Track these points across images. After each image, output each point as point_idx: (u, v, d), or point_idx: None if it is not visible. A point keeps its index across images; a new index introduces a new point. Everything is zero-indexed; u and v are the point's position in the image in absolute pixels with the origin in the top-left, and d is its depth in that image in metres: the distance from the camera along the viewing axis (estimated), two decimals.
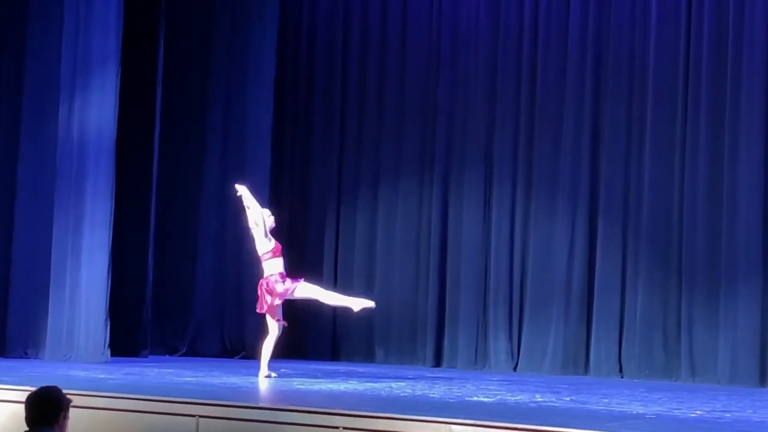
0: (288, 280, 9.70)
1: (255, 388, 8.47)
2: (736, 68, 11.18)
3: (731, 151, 11.14)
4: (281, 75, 13.13)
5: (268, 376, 9.47)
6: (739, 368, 10.85)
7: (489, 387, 9.28)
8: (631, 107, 11.72)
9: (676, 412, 7.61)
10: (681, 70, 11.47)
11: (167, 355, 12.47)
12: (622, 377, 11.42)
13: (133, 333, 11.79)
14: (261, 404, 6.72)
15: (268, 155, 12.80)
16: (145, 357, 11.74)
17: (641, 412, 7.47)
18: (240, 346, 12.61)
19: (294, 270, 13.21)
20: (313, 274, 13.01)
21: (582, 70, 11.96)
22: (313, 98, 13.34)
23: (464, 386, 9.27)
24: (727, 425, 6.84)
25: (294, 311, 13.09)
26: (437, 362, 12.38)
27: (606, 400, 8.29)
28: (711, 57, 11.33)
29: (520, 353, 12.04)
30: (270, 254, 9.73)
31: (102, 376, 9.10)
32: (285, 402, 6.85)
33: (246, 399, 7.10)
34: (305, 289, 9.71)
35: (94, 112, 11.25)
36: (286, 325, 9.76)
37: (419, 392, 8.51)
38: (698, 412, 7.61)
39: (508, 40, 12.35)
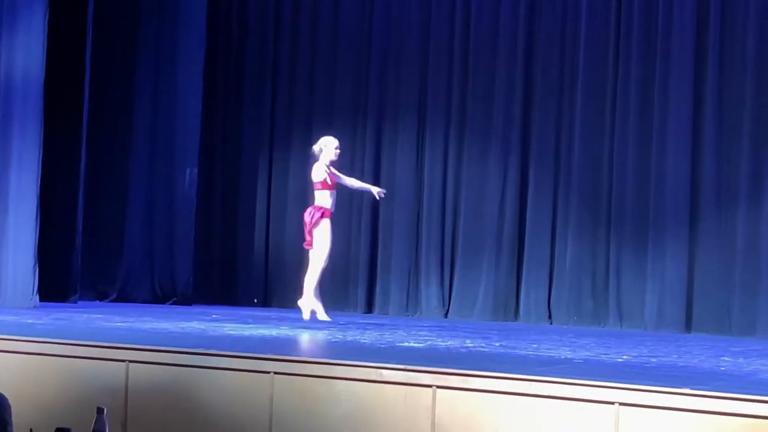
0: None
1: (186, 334, 8.44)
2: (666, 19, 11.27)
3: (661, 103, 11.27)
4: (212, 22, 12.97)
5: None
6: (666, 315, 11.05)
7: (420, 333, 9.34)
8: (563, 57, 11.78)
9: (603, 357, 7.72)
10: (612, 20, 11.54)
11: (97, 301, 12.37)
12: (551, 323, 11.57)
13: (62, 278, 11.65)
14: (191, 349, 6.69)
15: (199, 102, 12.67)
16: (75, 302, 11.63)
17: (569, 356, 7.57)
18: (171, 292, 12.55)
19: (229, 218, 13.21)
20: (247, 223, 13.03)
21: (515, 19, 11.98)
22: (244, 45, 13.21)
23: (395, 332, 9.33)
24: (652, 369, 6.96)
25: (225, 255, 13.10)
26: (369, 309, 12.44)
27: (535, 346, 8.39)
28: (642, 6, 11.41)
29: (452, 300, 12.14)
30: (319, 185, 9.88)
31: (30, 321, 9.00)
32: (216, 347, 6.82)
33: (176, 344, 7.06)
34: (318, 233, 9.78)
35: (21, 54, 11.02)
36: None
37: (350, 338, 8.54)
38: (625, 356, 7.74)
39: None
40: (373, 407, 6.06)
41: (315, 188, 10.14)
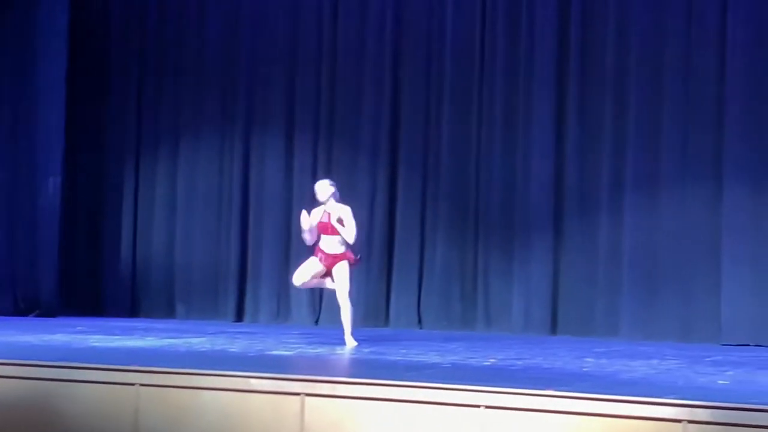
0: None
1: (49, 347, 8.25)
2: (528, 29, 11.47)
3: (525, 109, 11.46)
4: (75, 27, 12.72)
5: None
6: (532, 318, 11.24)
7: (290, 340, 9.32)
8: (429, 64, 11.89)
9: (471, 360, 7.82)
10: (477, 29, 11.70)
11: None
12: (421, 328, 11.65)
13: None
14: (54, 362, 6.55)
15: (63, 109, 12.41)
16: None
17: (437, 361, 7.64)
18: (34, 304, 12.25)
19: (94, 227, 12.97)
20: (113, 232, 12.82)
21: (382, 28, 12.05)
22: (109, 51, 13.01)
23: (265, 340, 9.29)
24: (518, 372, 7.07)
25: (91, 265, 12.86)
26: (239, 317, 12.36)
27: (404, 351, 8.45)
28: (506, 16, 11.59)
29: (322, 307, 12.12)
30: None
31: None
32: (80, 359, 6.69)
33: (39, 357, 6.90)
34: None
35: None
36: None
37: (219, 347, 8.47)
38: (492, 360, 7.84)
39: None
40: (240, 417, 6.03)
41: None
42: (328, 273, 9.15)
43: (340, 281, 9.02)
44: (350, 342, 8.94)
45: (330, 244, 9.11)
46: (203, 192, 12.65)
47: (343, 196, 12.09)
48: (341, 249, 9.10)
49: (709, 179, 10.75)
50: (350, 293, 9.12)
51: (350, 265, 9.13)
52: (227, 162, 12.58)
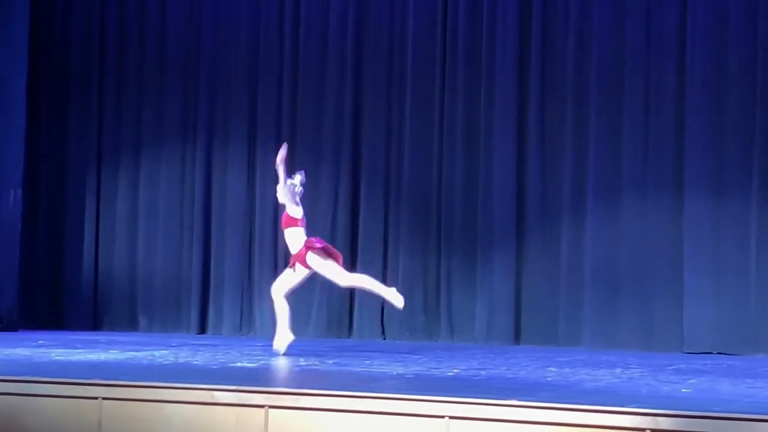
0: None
1: (11, 361, 8.17)
2: (490, 38, 11.52)
3: (486, 120, 11.49)
4: (35, 38, 12.66)
5: None
6: (495, 327, 11.26)
7: (253, 353, 9.29)
8: (391, 74, 11.92)
9: (434, 371, 7.82)
10: (438, 38, 11.74)
11: None
12: (384, 339, 11.66)
13: None
14: (15, 377, 6.49)
15: (23, 121, 12.32)
16: None
17: (401, 372, 7.64)
18: None
19: (55, 240, 12.87)
20: (75, 245, 12.73)
21: (343, 37, 12.07)
22: (70, 62, 12.95)
23: (228, 352, 9.26)
24: (481, 382, 7.09)
25: (52, 278, 12.77)
26: (202, 329, 12.31)
27: (368, 362, 8.45)
28: (467, 28, 11.64)
29: None
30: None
31: None
32: (42, 374, 6.64)
33: (1, 372, 6.83)
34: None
35: None
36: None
37: (182, 360, 8.44)
38: (455, 370, 7.85)
39: (271, 5, 12.33)
40: (204, 429, 6.00)
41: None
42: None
43: (328, 272, 8.98)
44: (393, 296, 8.97)
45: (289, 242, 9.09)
46: (165, 204, 12.61)
47: (305, 206, 12.13)
48: (299, 243, 9.03)
49: (670, 189, 10.84)
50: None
51: (316, 251, 8.98)
52: (189, 174, 12.54)
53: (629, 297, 10.89)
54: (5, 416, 6.31)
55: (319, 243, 9.16)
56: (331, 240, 11.86)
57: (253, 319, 12.19)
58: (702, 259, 10.63)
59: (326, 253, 9.11)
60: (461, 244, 11.52)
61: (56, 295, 12.78)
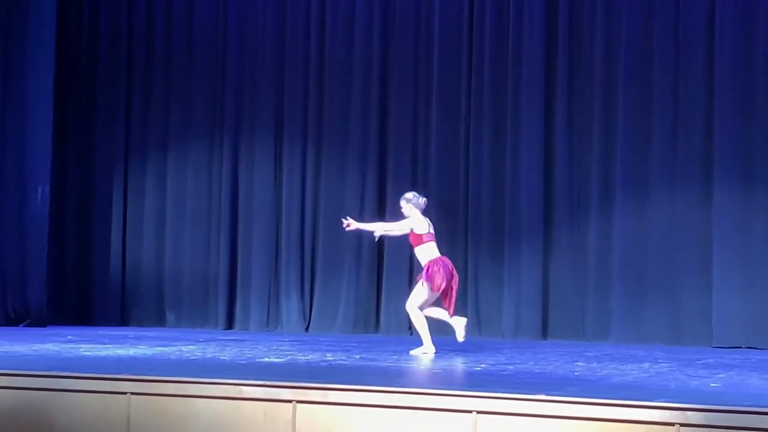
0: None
1: (40, 356, 8.22)
2: (517, 34, 11.49)
3: (513, 115, 11.49)
4: (63, 36, 12.72)
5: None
6: (522, 322, 11.25)
7: (281, 348, 9.30)
8: (417, 70, 11.92)
9: (462, 365, 7.81)
10: (465, 34, 11.72)
11: None
12: (411, 334, 11.59)
13: None
14: (45, 372, 6.52)
15: (50, 118, 12.38)
16: None
17: (429, 366, 7.63)
18: (24, 314, 12.22)
19: (83, 237, 12.93)
20: (102, 242, 12.79)
21: (369, 34, 12.08)
22: (97, 59, 13.01)
23: (256, 348, 9.27)
24: (509, 376, 7.07)
25: (80, 274, 12.84)
26: (229, 325, 12.35)
27: (395, 357, 8.44)
28: (494, 20, 11.61)
29: (312, 313, 12.13)
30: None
31: None
32: (71, 369, 6.67)
33: (30, 367, 6.88)
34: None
35: None
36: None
37: (210, 355, 8.46)
38: (483, 365, 7.84)
39: (297, 5, 12.34)
40: (232, 424, 6.01)
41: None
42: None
43: (421, 296, 8.82)
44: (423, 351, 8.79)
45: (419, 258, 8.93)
46: (192, 200, 12.65)
47: (332, 203, 12.17)
48: (423, 261, 8.87)
49: (699, 182, 10.79)
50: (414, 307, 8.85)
51: (429, 279, 8.72)
52: (216, 170, 12.58)
53: (657, 291, 10.84)
54: (34, 411, 6.35)
55: (439, 270, 8.80)
56: (358, 238, 11.90)
57: (279, 314, 12.22)
58: (730, 253, 10.57)
59: (444, 286, 8.79)
60: (488, 239, 11.50)
61: (84, 291, 12.85)
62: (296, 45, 12.34)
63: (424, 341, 8.85)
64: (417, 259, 9.05)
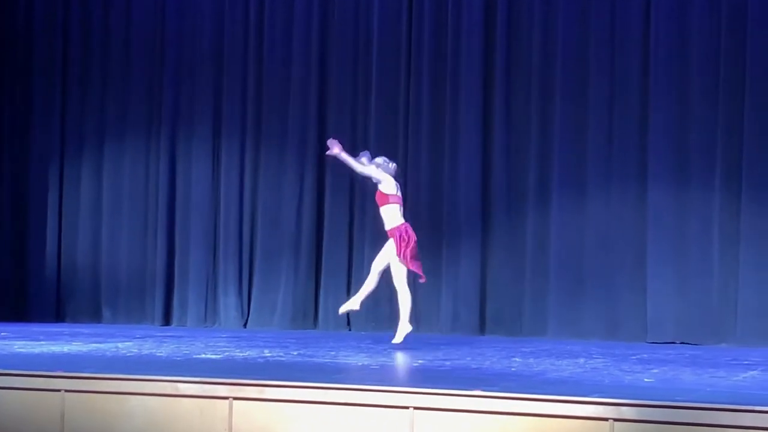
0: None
1: None
2: (455, 25, 11.54)
3: (452, 109, 11.52)
4: None
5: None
6: (460, 318, 11.30)
7: (218, 344, 9.26)
8: (356, 61, 11.91)
9: (399, 361, 7.83)
10: (404, 25, 11.73)
11: None
12: (350, 330, 11.66)
13: None
14: None
15: None
16: None
17: (366, 363, 7.64)
18: None
19: (18, 231, 12.77)
20: (38, 236, 12.64)
21: (308, 24, 12.05)
22: (33, 53, 12.84)
23: (193, 344, 9.22)
24: (446, 372, 7.10)
25: (15, 269, 12.67)
26: (167, 321, 12.27)
27: (333, 353, 8.44)
28: (432, 18, 11.65)
29: (251, 309, 12.08)
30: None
31: None
32: (4, 366, 6.58)
33: None
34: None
35: None
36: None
37: (146, 352, 8.40)
38: (420, 361, 7.86)
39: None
40: (168, 422, 5.97)
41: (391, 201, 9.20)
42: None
43: (395, 266, 9.09)
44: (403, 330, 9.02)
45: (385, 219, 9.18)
46: (129, 195, 12.54)
47: (270, 198, 12.13)
48: (390, 223, 9.12)
49: (634, 181, 10.90)
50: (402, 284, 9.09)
51: (400, 242, 9.03)
52: (153, 165, 12.49)
53: (593, 287, 10.95)
54: None
55: (408, 242, 9.09)
56: (296, 234, 11.88)
57: (217, 310, 12.16)
58: (665, 250, 10.70)
59: (410, 252, 9.06)
60: (426, 236, 11.47)
61: (19, 287, 12.69)
62: (235, 40, 12.28)
63: (403, 319, 9.07)
64: (382, 219, 9.24)
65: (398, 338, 9.11)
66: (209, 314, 12.21)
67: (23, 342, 9.17)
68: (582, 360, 8.16)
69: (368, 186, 11.75)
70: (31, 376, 6.31)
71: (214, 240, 12.26)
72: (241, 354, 8.27)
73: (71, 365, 6.94)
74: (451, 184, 11.48)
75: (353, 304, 9.36)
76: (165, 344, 9.15)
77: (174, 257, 12.35)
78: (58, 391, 6.13)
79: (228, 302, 12.11)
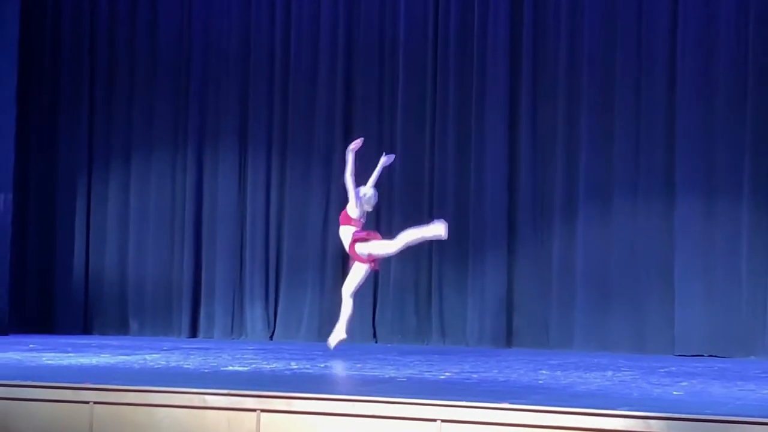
0: None
1: (1, 365, 8.15)
2: (481, 38, 11.54)
3: (478, 121, 11.52)
4: (25, 42, 12.63)
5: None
6: (486, 330, 11.27)
7: (245, 356, 9.28)
8: (382, 77, 11.93)
9: (426, 374, 7.82)
10: (430, 39, 11.75)
11: None
12: (376, 342, 11.65)
13: None
14: (6, 381, 6.47)
15: (13, 125, 12.28)
16: None
17: (393, 375, 7.64)
18: None
19: (45, 245, 12.84)
20: (65, 250, 12.71)
21: (334, 40, 12.09)
22: (60, 65, 12.92)
23: (220, 356, 9.24)
24: (473, 385, 7.08)
25: (43, 282, 12.74)
26: (193, 333, 12.30)
27: (359, 365, 8.44)
28: (457, 26, 11.65)
29: (277, 321, 12.10)
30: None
31: None
32: (33, 378, 6.62)
33: None
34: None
35: None
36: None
37: (173, 363, 8.42)
38: (447, 373, 7.85)
39: (261, 12, 12.33)
40: None
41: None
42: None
43: (378, 250, 9.46)
44: (436, 229, 9.34)
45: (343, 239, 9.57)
46: (156, 207, 12.59)
47: (297, 211, 12.17)
48: (348, 239, 9.50)
49: (662, 191, 10.86)
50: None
51: (360, 239, 9.38)
52: (180, 178, 12.53)
53: (620, 300, 10.90)
54: None
55: (361, 232, 9.49)
56: (323, 243, 11.90)
57: (244, 322, 12.18)
58: (693, 262, 10.65)
59: (368, 236, 9.44)
60: (452, 247, 11.51)
61: (47, 299, 12.76)
62: (261, 53, 12.33)
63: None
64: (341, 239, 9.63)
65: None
66: (236, 326, 12.23)
67: (51, 354, 9.21)
68: (610, 373, 8.12)
69: (395, 200, 11.79)
70: (59, 388, 6.34)
71: (241, 253, 12.29)
72: (268, 366, 8.28)
73: (99, 377, 6.97)
74: (476, 197, 11.47)
75: (339, 333, 9.50)
76: (192, 356, 9.18)
77: (201, 270, 12.38)
78: (87, 403, 6.16)
79: (254, 315, 12.13)
